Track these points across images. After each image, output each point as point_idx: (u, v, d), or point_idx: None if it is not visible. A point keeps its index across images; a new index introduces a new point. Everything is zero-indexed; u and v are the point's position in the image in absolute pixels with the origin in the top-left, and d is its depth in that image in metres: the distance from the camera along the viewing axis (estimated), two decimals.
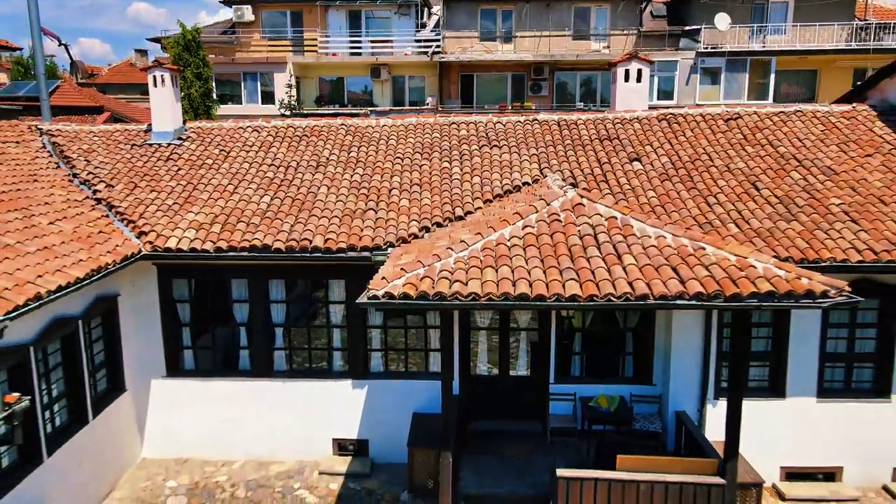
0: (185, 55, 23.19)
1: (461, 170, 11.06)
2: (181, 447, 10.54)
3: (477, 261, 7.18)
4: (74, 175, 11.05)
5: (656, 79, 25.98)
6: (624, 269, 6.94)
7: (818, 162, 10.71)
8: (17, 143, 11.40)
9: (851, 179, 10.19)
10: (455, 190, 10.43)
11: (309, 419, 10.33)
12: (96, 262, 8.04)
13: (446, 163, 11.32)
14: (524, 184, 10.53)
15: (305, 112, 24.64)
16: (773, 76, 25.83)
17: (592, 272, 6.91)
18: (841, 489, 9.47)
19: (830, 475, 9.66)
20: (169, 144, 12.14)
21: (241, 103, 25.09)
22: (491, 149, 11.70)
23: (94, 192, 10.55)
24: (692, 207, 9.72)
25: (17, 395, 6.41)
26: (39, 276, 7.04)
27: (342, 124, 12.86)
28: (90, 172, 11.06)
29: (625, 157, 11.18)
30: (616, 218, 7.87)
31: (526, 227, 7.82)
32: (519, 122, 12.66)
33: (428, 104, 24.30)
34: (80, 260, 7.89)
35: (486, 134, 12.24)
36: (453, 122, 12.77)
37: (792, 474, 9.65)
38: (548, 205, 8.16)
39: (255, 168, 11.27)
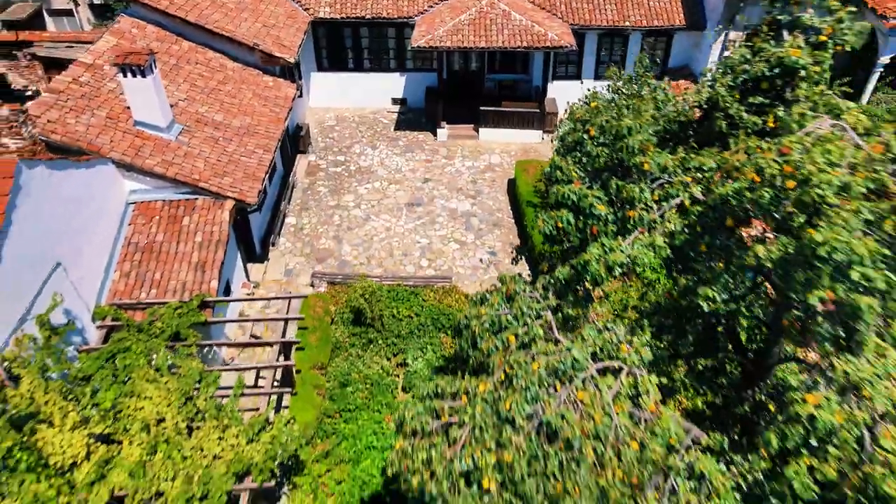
0: None
1: None
2: (325, 102, 24.22)
3: (450, 31, 19.74)
4: None
5: None
6: (503, 35, 19.57)
7: None
8: None
9: None
10: None
11: (379, 88, 23.75)
12: (301, 28, 20.46)
13: None
14: None
15: None
16: None
17: (491, 36, 19.56)
18: None
19: None
20: None
21: None
22: None
23: None
24: None
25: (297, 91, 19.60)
26: (290, 38, 19.62)
27: None
28: None
29: None
30: (506, 10, 20.06)
31: (469, 15, 20.09)
32: None
33: None
34: (297, 28, 20.30)
35: None
36: None
37: None
38: (479, 3, 20.24)
39: None
